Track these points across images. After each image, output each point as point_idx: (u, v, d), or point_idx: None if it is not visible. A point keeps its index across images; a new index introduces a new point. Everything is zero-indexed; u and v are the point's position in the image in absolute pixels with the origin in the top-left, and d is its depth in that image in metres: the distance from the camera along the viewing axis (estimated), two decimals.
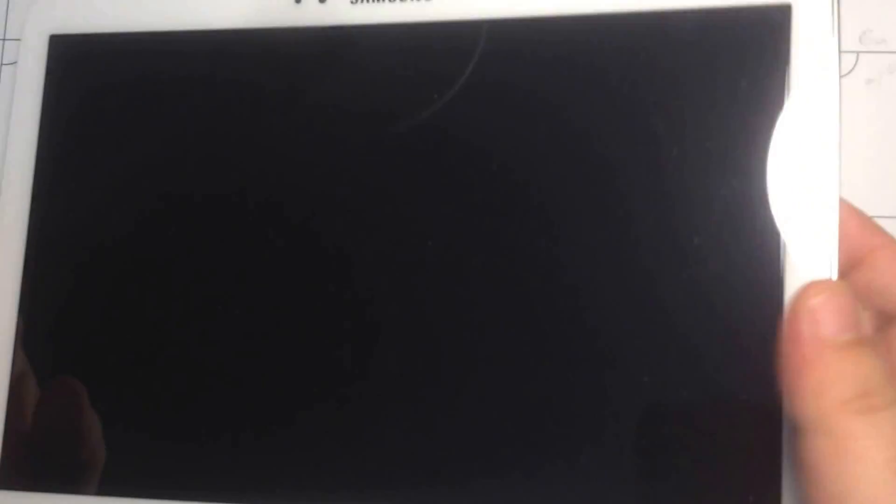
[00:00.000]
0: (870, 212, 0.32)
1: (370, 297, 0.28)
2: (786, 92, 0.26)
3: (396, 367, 0.28)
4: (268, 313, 0.29)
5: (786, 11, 0.26)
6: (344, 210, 0.29)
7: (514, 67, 0.28)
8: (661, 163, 0.27)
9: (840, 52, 0.26)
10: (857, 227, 0.27)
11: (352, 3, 0.29)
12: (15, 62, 0.33)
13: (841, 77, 0.34)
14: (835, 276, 0.25)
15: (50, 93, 0.32)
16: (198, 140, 0.30)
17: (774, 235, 0.26)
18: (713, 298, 0.26)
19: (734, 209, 0.26)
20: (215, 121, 0.30)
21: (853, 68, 0.35)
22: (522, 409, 0.27)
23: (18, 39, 0.33)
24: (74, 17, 0.32)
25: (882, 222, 0.29)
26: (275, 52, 0.30)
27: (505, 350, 0.27)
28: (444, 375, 0.27)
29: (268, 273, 0.29)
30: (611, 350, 0.26)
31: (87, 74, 0.32)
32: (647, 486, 0.26)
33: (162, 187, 0.30)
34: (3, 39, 0.37)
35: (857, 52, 0.35)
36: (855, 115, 0.35)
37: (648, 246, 0.26)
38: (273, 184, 0.29)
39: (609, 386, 0.26)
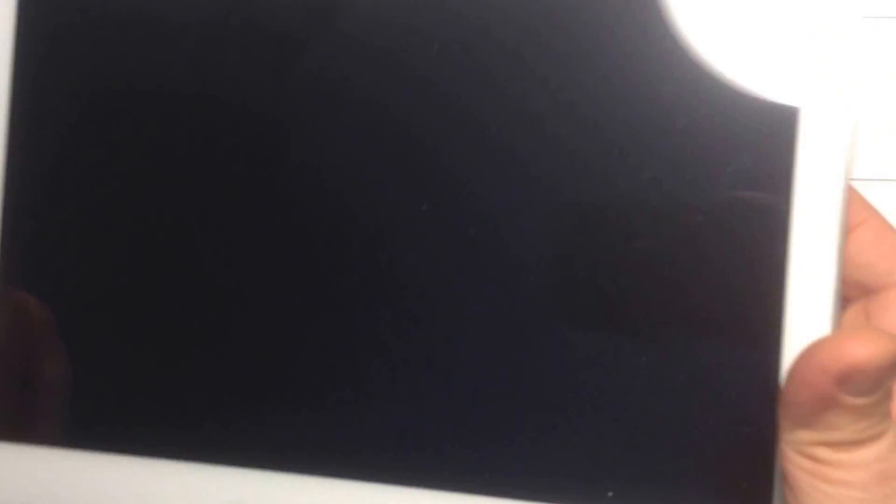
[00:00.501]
0: (871, 174, 0.32)
1: (360, 257, 0.27)
2: None
3: (380, 331, 0.27)
4: (258, 259, 0.28)
5: None
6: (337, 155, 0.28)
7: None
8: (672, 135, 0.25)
9: None
10: None
11: None
12: None
13: None
14: (838, 263, 0.24)
15: (22, 27, 0.30)
16: (176, 75, 0.29)
17: (780, 223, 0.25)
18: (714, 280, 0.25)
19: (740, 190, 0.25)
20: (194, 54, 0.29)
21: None
22: (515, 389, 0.26)
23: None
24: None
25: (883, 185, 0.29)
26: None
27: (504, 329, 0.27)
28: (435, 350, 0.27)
29: (256, 214, 0.28)
30: (607, 332, 0.26)
31: (61, 7, 0.29)
32: (639, 467, 0.26)
33: (139, 122, 0.29)
34: None
35: None
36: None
37: (652, 222, 0.26)
38: (252, 119, 0.28)
39: (604, 367, 0.26)
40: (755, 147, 0.25)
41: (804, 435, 0.23)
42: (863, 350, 0.21)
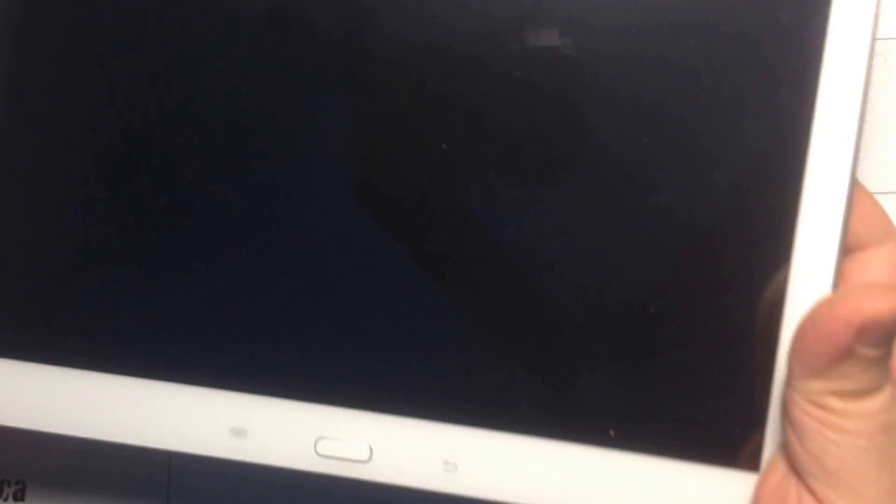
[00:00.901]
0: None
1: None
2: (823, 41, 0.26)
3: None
4: (201, 187, 0.28)
5: None
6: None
7: None
8: (691, 89, 0.26)
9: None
10: None
11: None
12: None
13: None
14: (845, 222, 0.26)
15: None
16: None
17: (793, 180, 0.26)
18: (722, 236, 0.26)
19: (758, 142, 0.26)
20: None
21: None
22: (521, 332, 0.27)
23: None
24: None
25: None
26: None
27: (507, 275, 0.27)
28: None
29: (216, 150, 0.28)
30: (615, 279, 0.27)
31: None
32: (639, 408, 0.27)
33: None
34: None
35: None
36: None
37: (668, 172, 0.26)
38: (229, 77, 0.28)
39: (610, 313, 0.27)
40: (772, 103, 0.26)
41: (817, 385, 0.24)
42: (882, 304, 0.23)
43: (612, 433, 0.26)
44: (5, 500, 0.38)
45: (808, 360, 0.24)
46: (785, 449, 0.25)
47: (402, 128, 0.27)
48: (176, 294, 0.29)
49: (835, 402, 0.24)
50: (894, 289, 0.23)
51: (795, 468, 0.25)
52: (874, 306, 0.23)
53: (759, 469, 0.26)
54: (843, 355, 0.23)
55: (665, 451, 0.26)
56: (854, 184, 0.26)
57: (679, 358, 0.26)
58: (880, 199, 0.31)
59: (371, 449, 0.27)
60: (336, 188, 0.28)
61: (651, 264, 0.26)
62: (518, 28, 0.26)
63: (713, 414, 0.26)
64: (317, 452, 0.28)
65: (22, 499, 0.39)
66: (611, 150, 0.27)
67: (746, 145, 0.26)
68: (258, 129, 0.28)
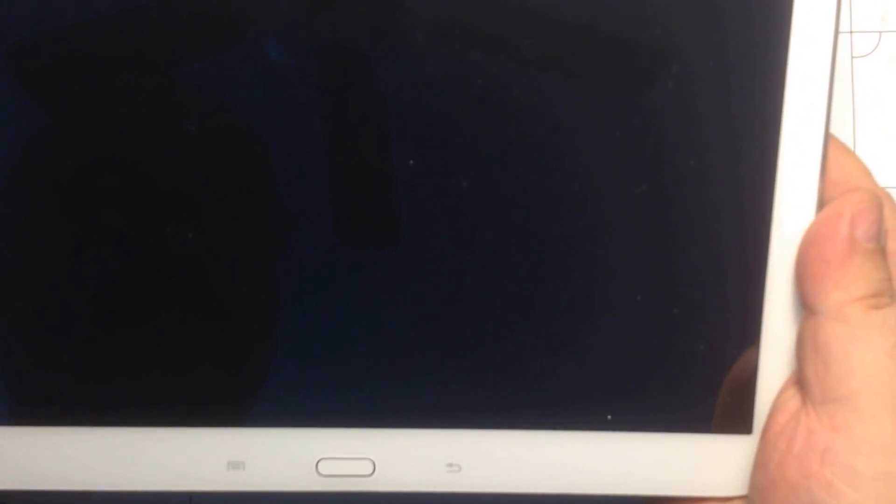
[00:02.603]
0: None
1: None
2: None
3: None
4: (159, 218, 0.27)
5: None
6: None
7: None
8: (661, 78, 0.26)
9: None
10: None
11: None
12: None
13: (863, 57, 0.35)
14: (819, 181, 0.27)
15: None
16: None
17: (770, 148, 0.26)
18: (705, 208, 0.27)
19: (733, 121, 0.26)
20: None
21: (875, 48, 0.35)
22: (518, 324, 0.27)
23: None
24: None
25: None
26: None
27: (510, 266, 0.27)
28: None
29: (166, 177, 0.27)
30: (608, 262, 0.27)
31: None
32: (633, 393, 0.27)
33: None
34: None
35: (880, 32, 0.35)
36: (877, 94, 0.34)
37: (644, 153, 0.26)
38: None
39: (601, 299, 0.27)
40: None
41: (836, 295, 0.25)
42: (861, 193, 0.26)
43: (608, 417, 0.27)
44: None
45: (821, 269, 0.25)
46: (795, 390, 0.26)
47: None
48: (154, 338, 0.28)
49: (857, 313, 0.25)
50: (859, 186, 0.26)
51: (816, 399, 0.25)
52: (857, 196, 0.26)
53: (751, 431, 0.27)
54: (849, 249, 0.25)
55: (661, 427, 0.27)
56: (829, 143, 0.26)
57: (668, 336, 0.27)
58: None
59: (374, 463, 0.28)
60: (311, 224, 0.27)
61: (635, 251, 0.27)
62: None
63: (705, 385, 0.27)
64: (318, 473, 0.28)
65: None
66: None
67: (725, 98, 0.26)
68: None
